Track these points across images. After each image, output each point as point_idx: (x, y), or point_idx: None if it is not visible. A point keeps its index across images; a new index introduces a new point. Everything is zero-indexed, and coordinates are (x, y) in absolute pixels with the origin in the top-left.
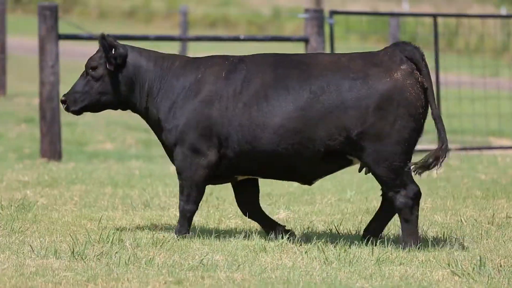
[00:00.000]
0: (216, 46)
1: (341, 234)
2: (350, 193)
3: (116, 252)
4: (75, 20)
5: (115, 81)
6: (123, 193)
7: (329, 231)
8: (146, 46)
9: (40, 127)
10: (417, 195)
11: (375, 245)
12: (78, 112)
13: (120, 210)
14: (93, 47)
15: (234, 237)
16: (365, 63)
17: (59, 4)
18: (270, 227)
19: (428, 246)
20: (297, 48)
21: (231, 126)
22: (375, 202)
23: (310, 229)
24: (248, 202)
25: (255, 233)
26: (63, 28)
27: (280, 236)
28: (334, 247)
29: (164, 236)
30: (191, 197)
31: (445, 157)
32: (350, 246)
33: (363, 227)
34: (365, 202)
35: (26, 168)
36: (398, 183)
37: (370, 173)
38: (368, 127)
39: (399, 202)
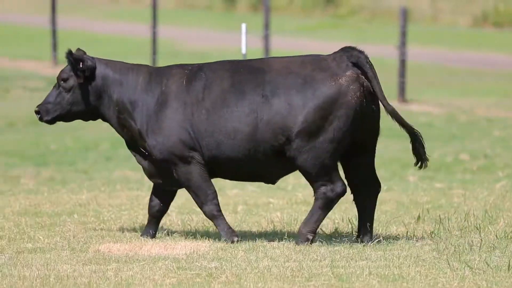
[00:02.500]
0: None
1: None
2: None
3: None
4: None
5: (85, 92)
6: None
7: None
8: None
9: None
10: (343, 192)
11: None
12: (51, 122)
13: None
14: None
15: None
16: (313, 68)
17: None
18: (150, 230)
19: None
20: None
21: (199, 132)
22: None
23: None
24: (161, 204)
25: None
26: None
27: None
28: None
29: None
30: (205, 198)
31: (423, 146)
32: None
33: None
34: None
35: None
36: (327, 178)
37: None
38: (308, 124)
39: (321, 192)
